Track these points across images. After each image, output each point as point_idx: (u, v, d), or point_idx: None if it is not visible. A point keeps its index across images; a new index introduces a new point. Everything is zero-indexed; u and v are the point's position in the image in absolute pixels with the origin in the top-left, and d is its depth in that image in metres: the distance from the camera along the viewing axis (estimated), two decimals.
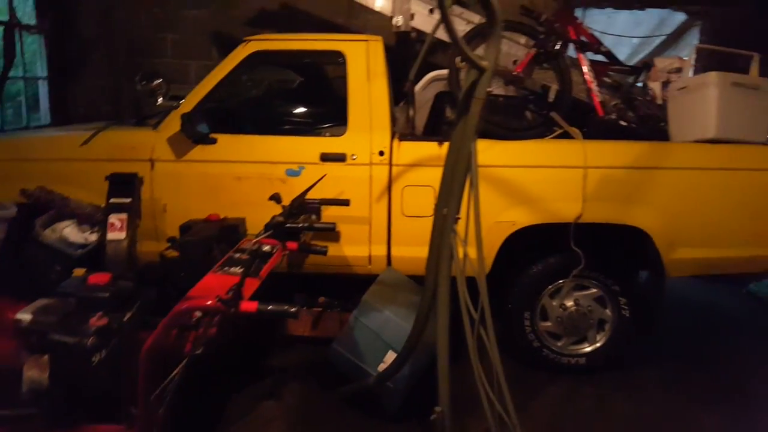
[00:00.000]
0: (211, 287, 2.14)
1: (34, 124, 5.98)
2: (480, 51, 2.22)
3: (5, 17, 5.34)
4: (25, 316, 2.20)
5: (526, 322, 3.52)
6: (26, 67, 5.84)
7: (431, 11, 4.15)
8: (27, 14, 5.84)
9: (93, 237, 3.39)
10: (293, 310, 1.98)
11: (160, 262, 3.21)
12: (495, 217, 3.36)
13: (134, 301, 2.42)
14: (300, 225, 2.87)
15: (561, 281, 3.49)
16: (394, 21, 3.99)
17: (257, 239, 2.63)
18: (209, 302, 2.00)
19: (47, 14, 5.83)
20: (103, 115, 5.55)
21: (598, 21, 6.04)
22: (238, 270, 2.31)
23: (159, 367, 2.16)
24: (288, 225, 2.78)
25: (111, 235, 3.01)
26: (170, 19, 6.13)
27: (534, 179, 3.38)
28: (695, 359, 3.92)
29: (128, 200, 3.08)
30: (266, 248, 2.41)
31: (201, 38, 6.15)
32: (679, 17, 6.25)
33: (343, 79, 3.59)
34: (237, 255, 2.51)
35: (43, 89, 6.11)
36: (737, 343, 4.22)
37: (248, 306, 2.01)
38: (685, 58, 3.92)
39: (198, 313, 2.16)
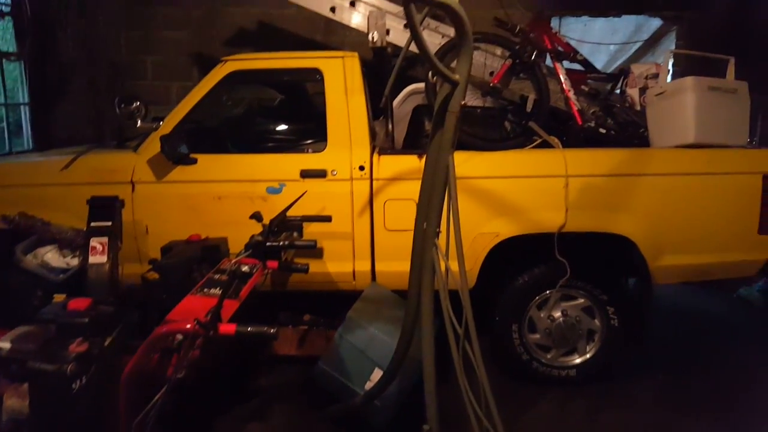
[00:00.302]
0: (190, 310, 2.12)
1: (16, 150, 5.94)
2: (455, 64, 2.22)
3: None
4: (3, 344, 2.18)
5: (514, 334, 3.50)
6: (8, 94, 5.81)
7: (406, 26, 4.17)
8: (7, 41, 5.81)
9: (74, 261, 3.37)
10: (273, 331, 1.97)
11: (142, 284, 3.18)
12: (478, 229, 3.36)
13: (115, 325, 2.39)
14: (280, 243, 2.85)
15: (548, 292, 3.47)
16: (370, 37, 4.01)
17: (236, 259, 2.61)
18: (188, 326, 1.98)
19: (27, 40, 5.81)
20: (86, 139, 5.50)
21: (574, 29, 6.10)
22: (217, 291, 2.29)
23: (140, 392, 2.13)
24: (268, 244, 2.76)
25: (92, 259, 2.99)
26: (150, 42, 6.15)
27: (515, 189, 3.38)
28: (686, 367, 3.88)
29: (109, 223, 3.05)
30: (245, 269, 2.39)
31: (181, 59, 6.16)
32: (655, 23, 6.31)
33: (322, 95, 3.60)
34: (217, 276, 2.49)
35: (25, 115, 6.07)
36: (729, 350, 4.18)
37: (227, 328, 1.99)
38: (661, 64, 3.94)
39: (180, 336, 2.14)
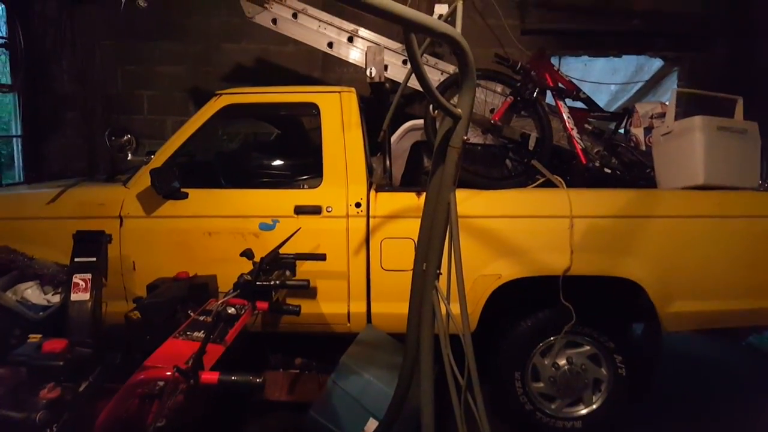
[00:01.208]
0: (171, 355, 1.99)
1: (7, 182, 5.87)
2: (455, 101, 2.13)
3: None
4: None
5: (517, 382, 3.36)
6: (1, 126, 5.76)
7: (404, 62, 4.16)
8: (0, 73, 5.80)
9: (56, 298, 3.29)
10: (259, 380, 1.83)
11: (125, 324, 3.03)
12: (479, 271, 3.25)
13: (93, 368, 2.27)
14: (270, 283, 2.72)
15: (552, 338, 3.34)
16: (368, 72, 3.98)
17: (223, 300, 2.47)
18: (167, 374, 1.84)
19: (21, 73, 5.78)
20: (79, 172, 5.46)
21: (574, 69, 6.10)
22: (200, 335, 2.15)
23: None
24: (258, 283, 2.63)
25: (75, 296, 2.90)
26: (146, 76, 6.11)
27: (518, 230, 3.27)
28: (695, 420, 3.72)
29: (93, 259, 2.96)
30: (231, 310, 2.26)
31: (178, 94, 6.12)
32: (657, 63, 6.31)
33: (318, 130, 3.53)
34: (202, 318, 2.35)
35: (17, 148, 6.01)
36: (738, 401, 4.00)
37: (209, 377, 1.85)
38: (666, 103, 3.87)
39: (161, 382, 2.00)
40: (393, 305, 3.22)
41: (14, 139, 6.00)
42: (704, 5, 5.87)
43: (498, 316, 3.39)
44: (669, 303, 3.26)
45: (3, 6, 5.80)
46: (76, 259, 2.94)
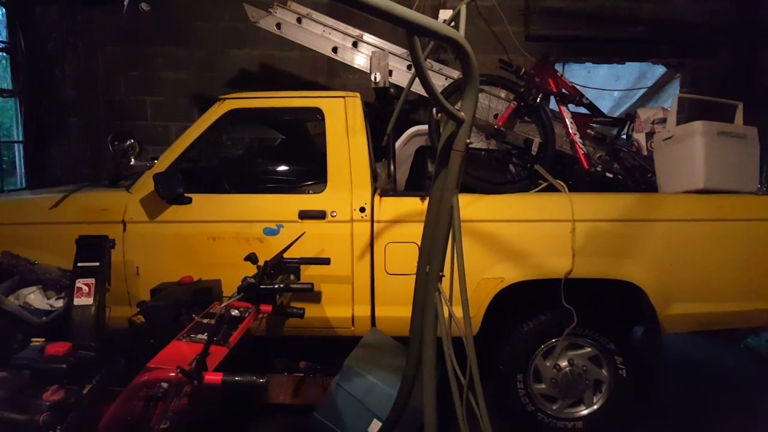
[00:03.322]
0: (175, 357, 2.00)
1: (9, 188, 5.85)
2: (459, 107, 2.14)
3: None
4: None
5: (519, 384, 3.36)
6: (2, 132, 5.75)
7: (409, 67, 4.16)
8: (2, 78, 5.79)
9: (59, 303, 3.29)
10: (263, 381, 1.83)
11: (129, 328, 3.04)
12: (482, 274, 3.25)
13: (96, 371, 2.28)
14: (274, 286, 2.72)
15: (554, 340, 3.34)
16: (372, 77, 3.97)
17: (227, 303, 2.48)
18: (170, 374, 1.84)
19: (22, 77, 5.77)
20: (82, 178, 5.45)
21: (578, 75, 6.11)
22: (204, 337, 2.15)
23: None
24: (262, 286, 2.63)
25: (78, 301, 2.91)
26: (150, 82, 6.12)
27: (521, 234, 3.28)
28: (693, 420, 3.73)
29: (97, 264, 2.97)
30: (235, 313, 2.26)
31: (182, 100, 6.13)
32: (659, 70, 6.32)
33: (323, 136, 3.53)
34: (205, 320, 2.35)
35: (19, 153, 6.00)
36: (736, 402, 4.02)
37: (213, 378, 1.85)
38: (668, 109, 3.88)
39: (165, 384, 2.00)
40: (397, 309, 3.23)
41: (16, 145, 5.98)
42: (709, 13, 5.88)
43: (500, 319, 3.39)
44: (669, 305, 3.27)
45: (3, 9, 5.78)
46: (79, 264, 2.95)
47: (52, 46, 5.89)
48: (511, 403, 3.40)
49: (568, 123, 3.94)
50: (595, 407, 3.42)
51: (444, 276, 2.26)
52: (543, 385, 3.40)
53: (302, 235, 3.20)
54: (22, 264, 3.29)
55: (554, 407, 3.42)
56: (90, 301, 2.89)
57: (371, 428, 2.79)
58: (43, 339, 2.36)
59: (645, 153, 4.00)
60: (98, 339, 2.82)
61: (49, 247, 3.39)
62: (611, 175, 3.88)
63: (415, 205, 3.32)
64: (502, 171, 3.88)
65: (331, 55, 4.35)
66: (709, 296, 3.32)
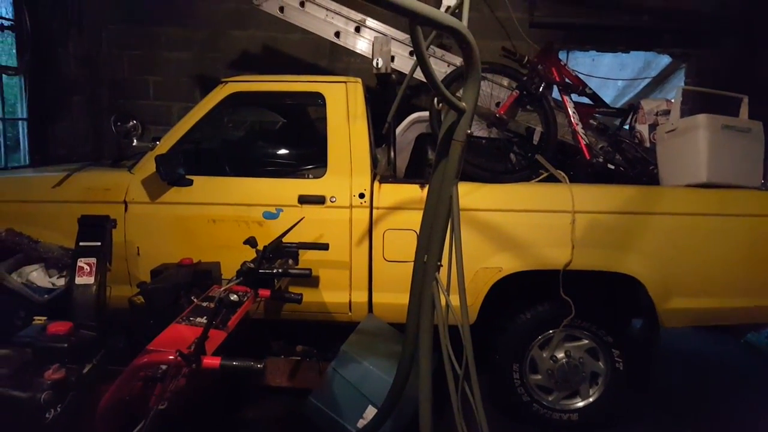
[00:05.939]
0: (174, 339, 2.01)
1: (12, 165, 5.86)
2: (460, 94, 2.13)
3: None
4: None
5: (515, 374, 3.37)
6: (7, 108, 5.75)
7: (411, 53, 4.14)
8: (7, 55, 5.77)
9: (61, 282, 3.31)
10: (260, 365, 1.85)
11: (129, 308, 3.06)
12: (480, 264, 3.26)
13: (97, 351, 2.29)
14: (273, 271, 2.73)
15: (551, 331, 3.35)
16: (374, 63, 3.96)
17: (226, 287, 2.50)
18: (169, 357, 1.86)
19: (27, 56, 5.76)
20: (84, 157, 5.45)
21: (582, 64, 6.08)
22: (203, 320, 2.17)
23: (120, 423, 2.03)
24: (261, 271, 2.65)
25: (79, 280, 2.92)
26: (153, 61, 6.11)
27: (520, 224, 3.27)
28: (691, 415, 3.73)
29: (98, 243, 2.97)
30: (234, 297, 2.27)
31: (184, 80, 6.12)
32: (665, 60, 6.28)
33: (324, 120, 3.53)
34: (205, 304, 2.37)
35: (23, 131, 6.00)
36: (735, 398, 4.02)
37: (211, 361, 1.87)
38: (672, 100, 3.86)
39: (164, 366, 2.02)
40: (394, 295, 3.23)
41: (20, 122, 5.99)
42: (715, 3, 5.83)
43: (498, 309, 3.39)
44: (668, 299, 3.26)
45: None
46: (81, 243, 2.95)
47: (57, 24, 5.85)
48: (506, 394, 3.42)
49: (570, 113, 3.92)
50: (590, 399, 3.42)
51: (442, 265, 2.27)
52: (539, 376, 3.41)
53: (301, 219, 3.21)
54: (25, 242, 3.30)
55: (550, 398, 3.43)
56: (91, 280, 2.89)
57: (366, 414, 2.82)
58: (45, 318, 2.38)
59: (647, 145, 3.98)
60: (99, 318, 2.83)
61: (52, 225, 3.40)
62: (613, 167, 3.86)
63: (415, 192, 3.32)
64: (503, 160, 3.88)
65: (334, 39, 4.34)
66: (709, 292, 3.31)
